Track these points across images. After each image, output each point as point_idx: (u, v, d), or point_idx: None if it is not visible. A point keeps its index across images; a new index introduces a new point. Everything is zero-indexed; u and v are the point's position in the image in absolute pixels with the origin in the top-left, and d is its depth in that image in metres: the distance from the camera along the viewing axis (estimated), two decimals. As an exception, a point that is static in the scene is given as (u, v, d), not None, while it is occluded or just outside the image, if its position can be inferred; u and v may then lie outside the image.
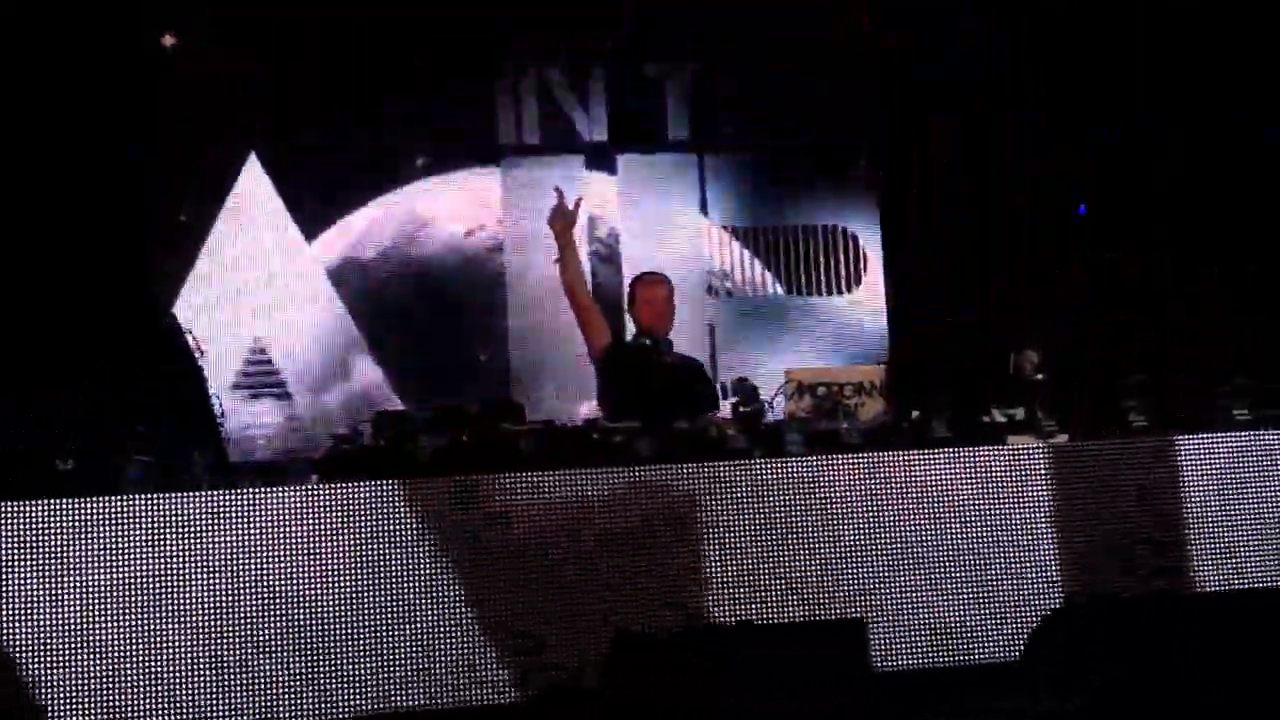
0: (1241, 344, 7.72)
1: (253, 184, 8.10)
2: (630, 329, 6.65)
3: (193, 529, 4.91)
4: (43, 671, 4.75)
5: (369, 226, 8.28)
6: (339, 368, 8.08)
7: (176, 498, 4.93)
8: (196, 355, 5.26)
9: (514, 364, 8.23)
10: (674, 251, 8.65)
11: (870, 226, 8.97)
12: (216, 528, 4.93)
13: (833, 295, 8.91)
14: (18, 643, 4.77)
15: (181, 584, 4.88)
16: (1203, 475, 5.61)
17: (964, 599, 5.36)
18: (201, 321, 7.53)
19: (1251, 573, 5.49)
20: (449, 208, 8.40)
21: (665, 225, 8.69)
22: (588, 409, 7.17)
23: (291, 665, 4.90)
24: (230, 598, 4.90)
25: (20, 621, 4.78)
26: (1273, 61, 8.13)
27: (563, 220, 6.42)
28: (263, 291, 8.04)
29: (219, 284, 7.96)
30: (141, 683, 4.79)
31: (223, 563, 4.91)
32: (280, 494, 5.00)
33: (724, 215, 8.83)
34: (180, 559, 4.89)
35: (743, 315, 8.74)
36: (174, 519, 4.90)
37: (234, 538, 4.94)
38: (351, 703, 4.92)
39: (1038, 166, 8.66)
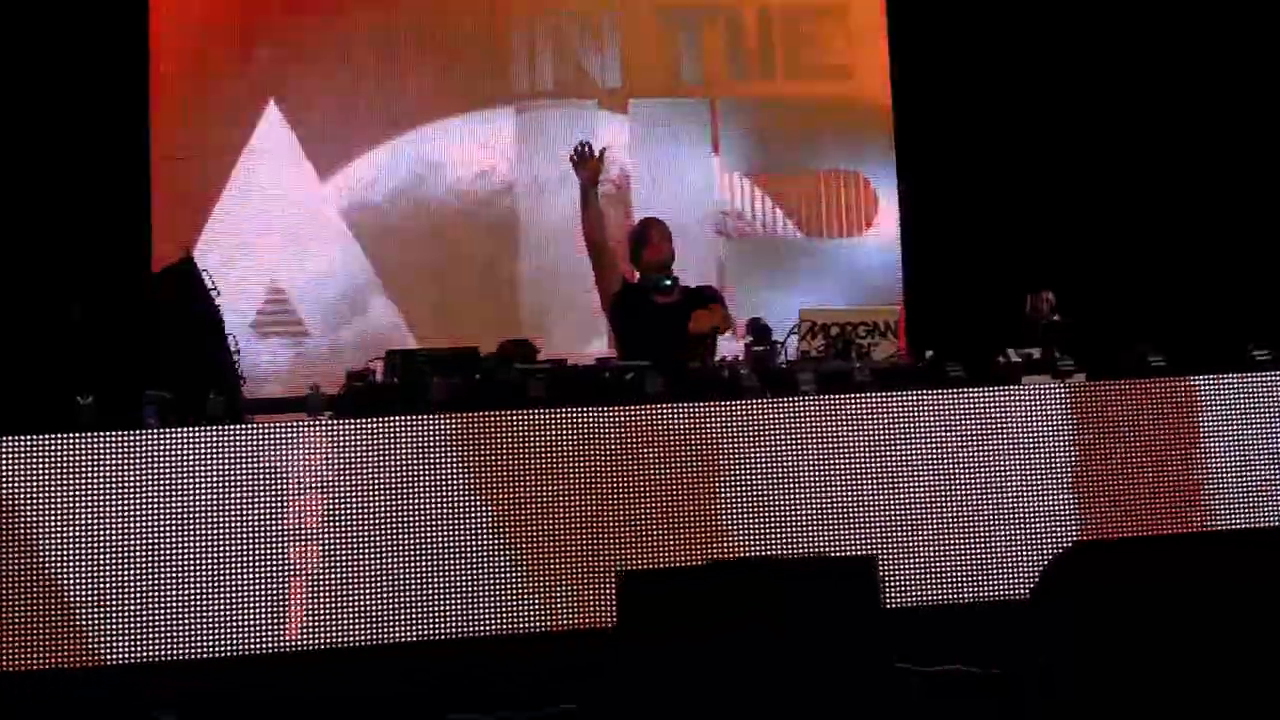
0: (1265, 284, 7.66)
1: (270, 126, 8.04)
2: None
3: (210, 464, 4.92)
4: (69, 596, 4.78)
5: (382, 169, 8.22)
6: (354, 308, 8.05)
7: (195, 433, 4.93)
8: (213, 294, 5.23)
9: (525, 305, 8.19)
10: (685, 193, 8.57)
11: (885, 169, 8.87)
12: (232, 463, 4.93)
13: (847, 237, 8.82)
14: (48, 568, 4.79)
15: (197, 518, 4.89)
16: (1221, 416, 5.54)
17: (976, 538, 5.32)
18: (218, 261, 7.48)
19: (1270, 515, 5.44)
20: (461, 150, 8.32)
21: (677, 168, 8.60)
22: (600, 349, 7.13)
23: (305, 594, 4.88)
24: (248, 530, 4.91)
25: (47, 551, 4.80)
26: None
27: (589, 170, 6.47)
28: (279, 233, 7.98)
29: (237, 225, 7.91)
30: (153, 612, 4.82)
31: (238, 497, 4.92)
32: (296, 429, 5.00)
33: (736, 159, 8.74)
34: (197, 494, 4.90)
35: (754, 255, 8.66)
36: (192, 455, 4.91)
37: (249, 473, 4.95)
38: (360, 634, 4.93)
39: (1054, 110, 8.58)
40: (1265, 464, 5.52)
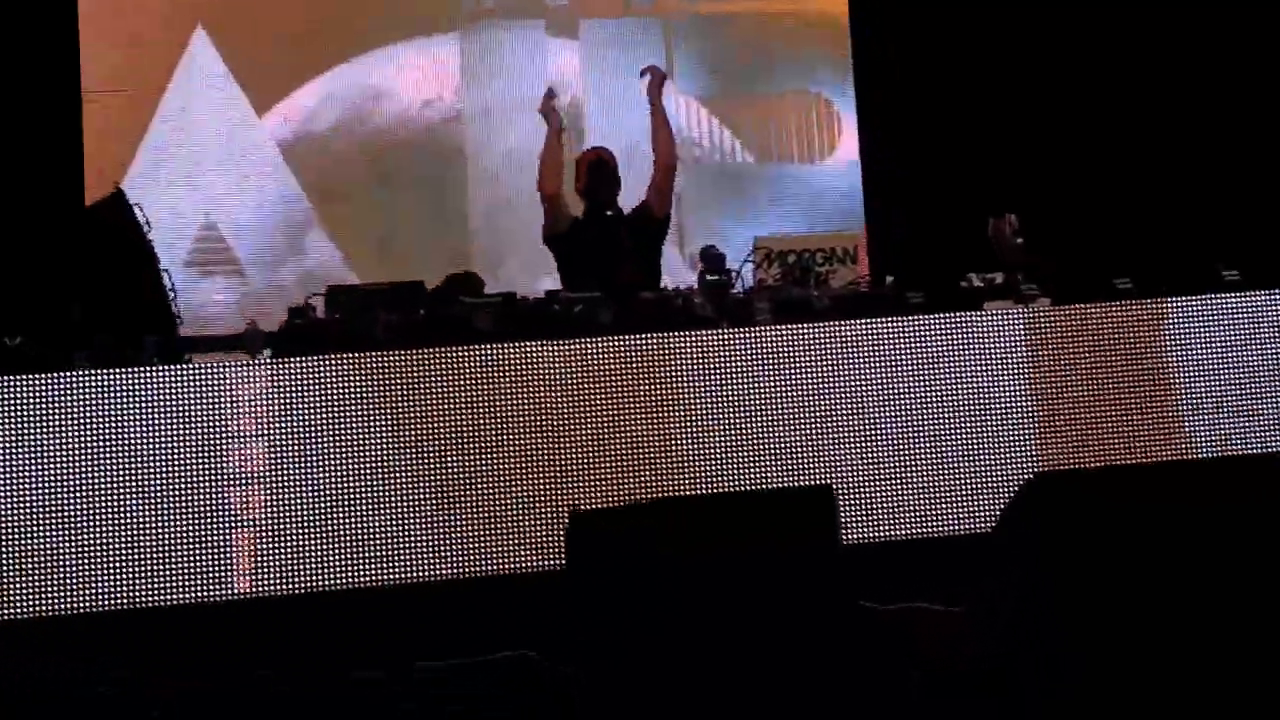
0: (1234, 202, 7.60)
1: (197, 56, 7.86)
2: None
3: (143, 403, 4.83)
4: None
5: (322, 99, 8.05)
6: (293, 244, 7.90)
7: (129, 373, 4.84)
8: (145, 229, 5.10)
9: (476, 239, 8.06)
10: (638, 119, 8.41)
11: (844, 91, 8.75)
12: (167, 402, 4.84)
13: (806, 163, 8.72)
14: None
15: (132, 462, 4.81)
16: (1190, 338, 5.49)
17: (937, 469, 5.27)
18: (150, 196, 7.32)
19: (1240, 439, 5.40)
20: (404, 78, 8.15)
21: (629, 94, 8.45)
22: (551, 283, 7.01)
23: (246, 541, 4.82)
24: (184, 471, 4.83)
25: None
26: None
27: (552, 110, 6.42)
28: (214, 167, 7.82)
29: (168, 160, 7.74)
30: (85, 562, 4.75)
31: (175, 437, 4.85)
32: (234, 369, 4.93)
33: (690, 83, 8.61)
34: (133, 433, 4.82)
35: (710, 184, 8.55)
36: (127, 396, 4.82)
37: (186, 415, 4.86)
38: (303, 581, 4.86)
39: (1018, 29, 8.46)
40: (1234, 388, 5.46)
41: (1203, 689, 3.66)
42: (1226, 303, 5.55)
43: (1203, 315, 5.52)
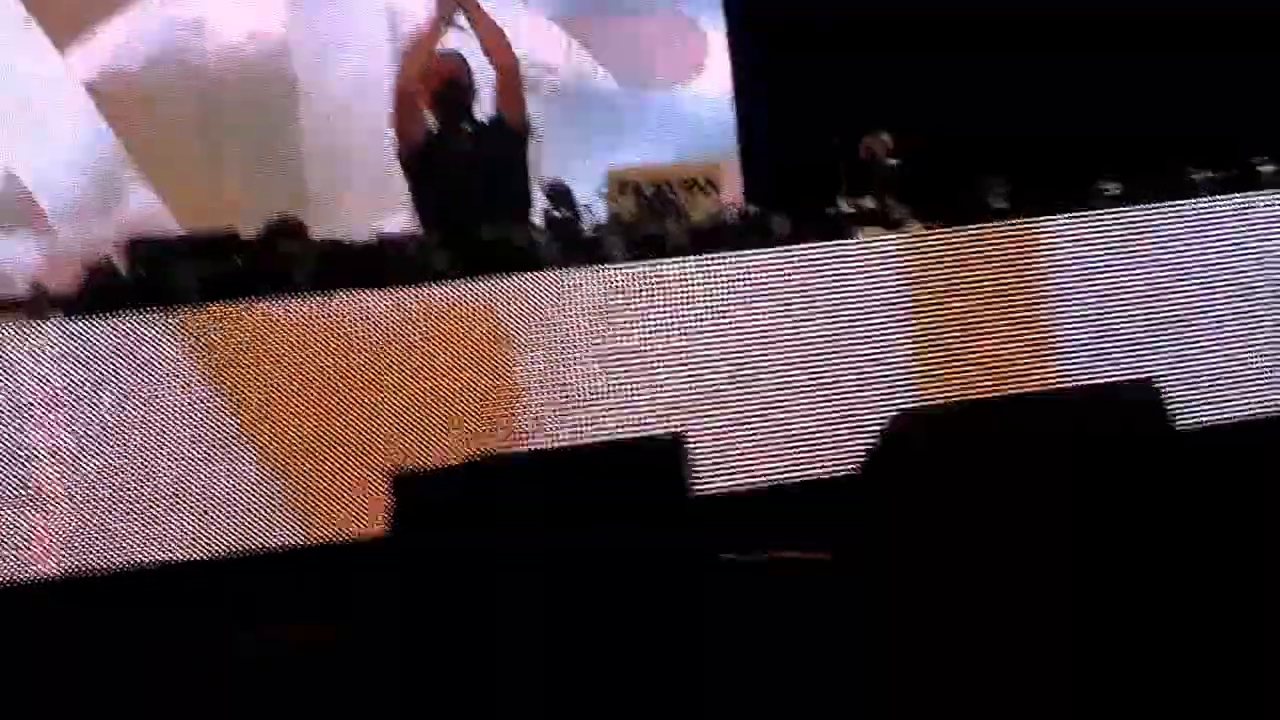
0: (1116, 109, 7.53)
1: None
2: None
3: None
4: None
5: (131, 33, 7.71)
6: (109, 196, 7.60)
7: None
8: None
9: (311, 185, 7.79)
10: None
11: (714, 11, 8.59)
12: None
13: (671, 87, 8.56)
14: None
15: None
16: (1069, 260, 5.40)
17: (803, 413, 5.15)
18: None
19: (1116, 369, 5.33)
20: (225, 7, 7.82)
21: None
22: (400, 223, 6.81)
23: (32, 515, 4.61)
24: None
25: None
26: None
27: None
28: (10, 111, 7.44)
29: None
30: None
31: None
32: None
33: (545, 3, 8.39)
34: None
35: (569, 112, 8.35)
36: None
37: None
38: (106, 558, 4.69)
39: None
40: (1115, 313, 5.39)
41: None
42: (1105, 219, 5.45)
43: (1080, 234, 5.42)
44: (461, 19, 6.30)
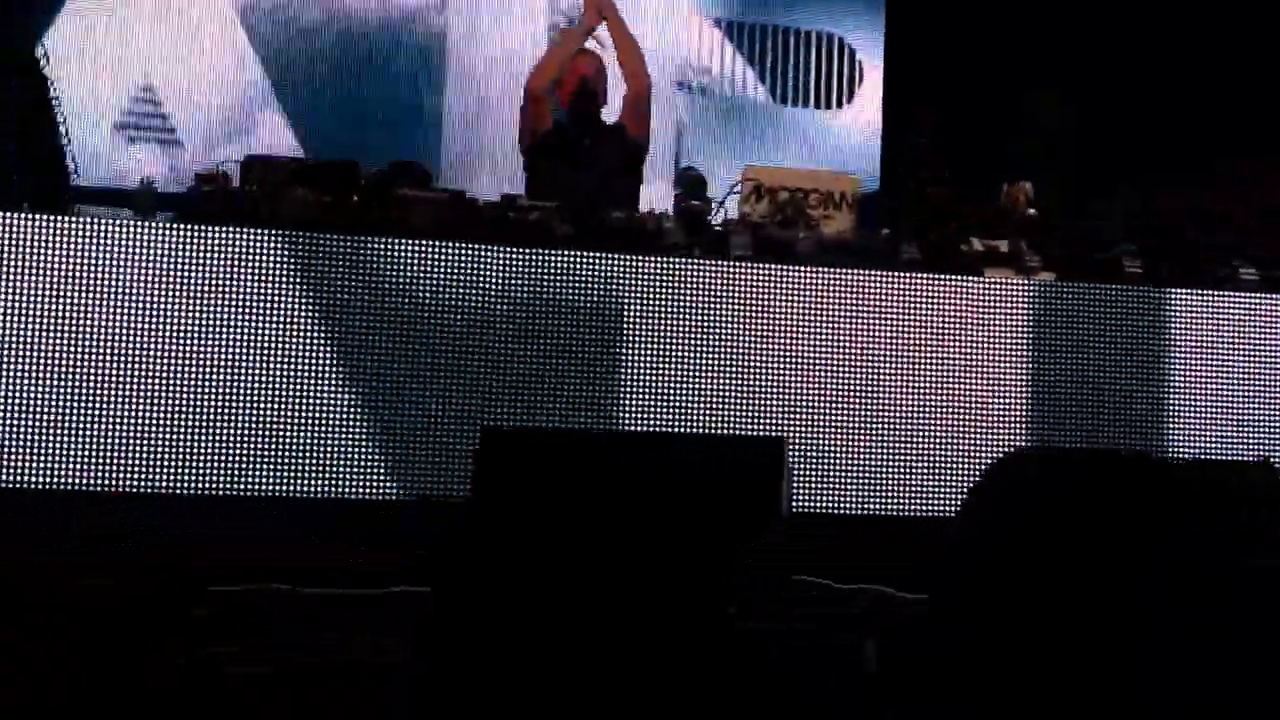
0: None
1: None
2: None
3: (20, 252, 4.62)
4: None
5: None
6: (241, 121, 7.67)
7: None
8: (42, 63, 4.89)
9: (445, 142, 7.84)
10: (648, 36, 8.21)
11: (872, 39, 8.58)
12: (43, 260, 4.63)
13: (821, 108, 8.54)
14: None
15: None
16: (1193, 334, 5.39)
17: (904, 439, 5.10)
18: (87, 53, 7.11)
19: (1223, 444, 5.28)
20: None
21: (639, 5, 8.25)
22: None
23: (114, 430, 4.60)
24: (58, 343, 4.63)
25: None
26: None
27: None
28: (159, 27, 7.53)
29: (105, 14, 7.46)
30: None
31: (45, 302, 4.63)
32: (126, 228, 4.71)
33: (710, 4, 8.41)
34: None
35: (717, 116, 8.37)
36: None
37: (61, 275, 4.65)
38: (178, 481, 4.66)
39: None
40: (1231, 391, 5.32)
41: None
42: (1238, 302, 5.46)
43: (1211, 311, 5.41)
44: (604, 32, 6.34)
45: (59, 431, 4.59)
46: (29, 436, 4.56)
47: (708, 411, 5.01)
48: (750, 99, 8.47)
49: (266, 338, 4.77)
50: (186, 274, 4.72)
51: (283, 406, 4.76)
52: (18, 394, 4.58)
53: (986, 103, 8.13)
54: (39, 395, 4.58)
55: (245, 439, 4.71)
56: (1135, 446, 5.16)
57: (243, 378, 4.74)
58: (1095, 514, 3.90)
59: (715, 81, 8.42)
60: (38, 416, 4.58)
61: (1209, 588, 3.76)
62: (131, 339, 4.67)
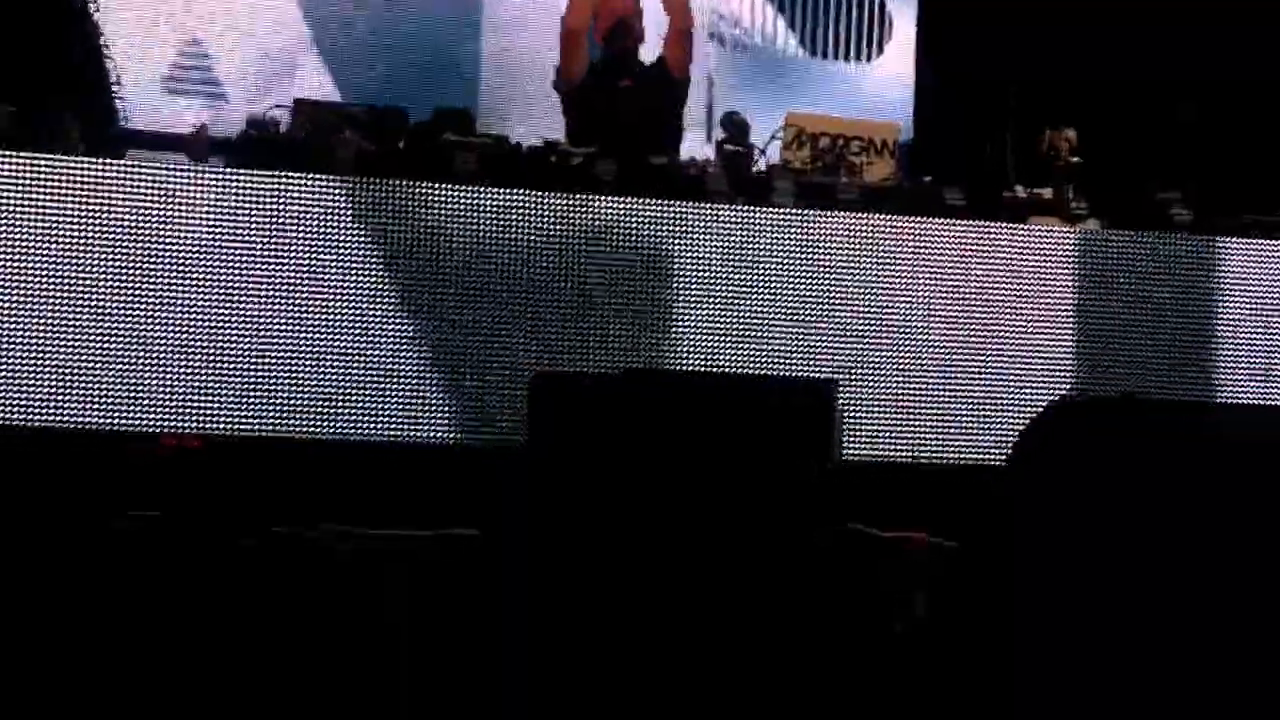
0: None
1: None
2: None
3: (64, 194, 4.62)
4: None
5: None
6: (282, 70, 7.65)
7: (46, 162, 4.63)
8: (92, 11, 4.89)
9: (484, 91, 7.82)
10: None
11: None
12: (93, 204, 4.64)
13: (856, 61, 8.51)
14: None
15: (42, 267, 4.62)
16: (1242, 284, 5.37)
17: (950, 386, 5.11)
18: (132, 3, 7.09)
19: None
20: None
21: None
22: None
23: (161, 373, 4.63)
24: (104, 286, 4.64)
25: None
26: None
27: None
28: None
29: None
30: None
31: (94, 247, 4.64)
32: (177, 172, 4.73)
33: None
34: (42, 239, 4.61)
35: (749, 69, 8.34)
36: (40, 189, 4.61)
37: (110, 219, 4.66)
38: (225, 424, 4.69)
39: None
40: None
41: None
42: None
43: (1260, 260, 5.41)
44: None
45: (107, 372, 4.61)
46: (79, 376, 4.58)
47: (751, 358, 5.02)
48: (782, 51, 8.44)
49: (317, 284, 4.80)
50: (240, 220, 4.74)
51: (332, 351, 4.77)
52: (75, 335, 4.59)
53: (1025, 48, 8.07)
54: (98, 336, 4.60)
55: (294, 383, 4.72)
56: (1182, 396, 5.15)
57: (294, 323, 4.77)
58: (1141, 465, 3.90)
59: (746, 34, 8.39)
60: (94, 357, 4.60)
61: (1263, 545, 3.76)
62: (182, 285, 4.69)
